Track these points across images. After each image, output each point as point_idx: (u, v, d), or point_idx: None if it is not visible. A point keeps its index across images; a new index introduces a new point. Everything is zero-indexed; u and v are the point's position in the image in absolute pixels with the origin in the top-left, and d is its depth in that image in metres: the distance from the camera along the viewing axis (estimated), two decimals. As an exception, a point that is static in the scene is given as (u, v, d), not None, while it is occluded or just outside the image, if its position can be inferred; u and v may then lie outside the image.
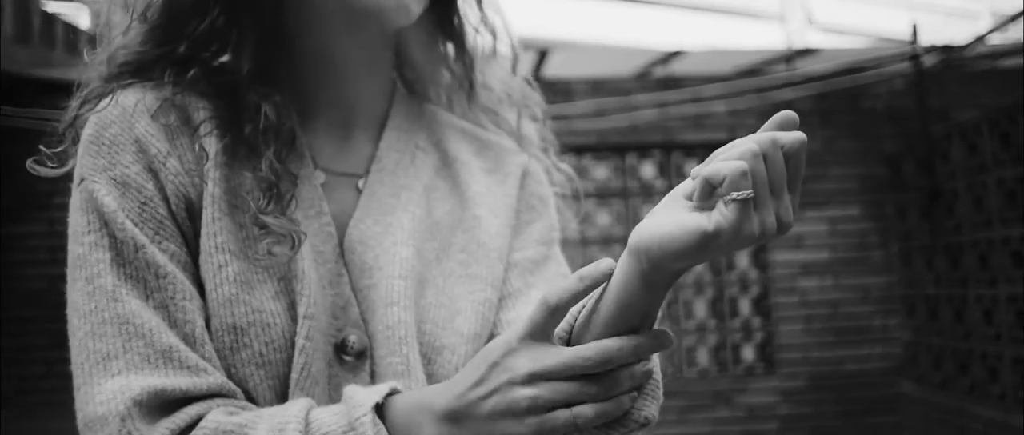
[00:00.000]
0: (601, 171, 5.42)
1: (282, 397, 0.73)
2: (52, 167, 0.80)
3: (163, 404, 0.67)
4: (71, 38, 4.72)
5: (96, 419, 0.66)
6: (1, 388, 4.77)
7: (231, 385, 0.71)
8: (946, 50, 4.69)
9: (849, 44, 5.66)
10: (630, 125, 5.17)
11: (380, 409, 0.67)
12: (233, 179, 0.77)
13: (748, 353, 5.29)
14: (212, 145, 0.76)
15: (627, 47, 5.61)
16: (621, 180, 5.40)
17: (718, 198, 0.57)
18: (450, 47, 0.94)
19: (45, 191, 4.65)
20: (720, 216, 0.56)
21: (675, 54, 5.08)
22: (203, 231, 0.74)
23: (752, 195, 0.56)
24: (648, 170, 5.44)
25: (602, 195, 5.38)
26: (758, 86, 5.10)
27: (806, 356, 5.13)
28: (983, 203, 3.94)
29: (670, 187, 2.71)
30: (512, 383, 0.63)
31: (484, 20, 0.92)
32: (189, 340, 0.71)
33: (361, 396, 0.67)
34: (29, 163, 0.80)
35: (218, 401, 0.69)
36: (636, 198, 5.40)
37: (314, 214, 0.80)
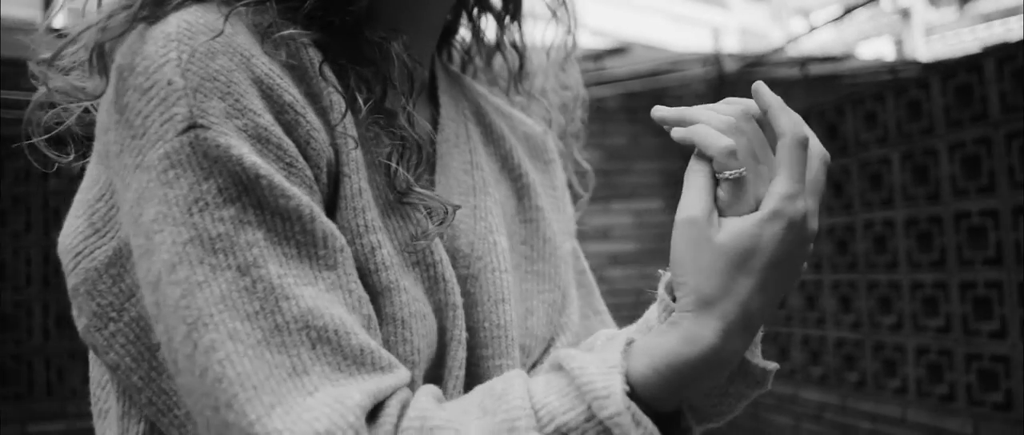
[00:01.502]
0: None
1: None
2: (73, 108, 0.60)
3: (376, 407, 0.53)
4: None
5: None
6: None
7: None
8: (743, 58, 5.10)
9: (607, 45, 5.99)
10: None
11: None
12: (367, 140, 0.62)
13: (561, 341, 5.44)
14: (338, 98, 0.60)
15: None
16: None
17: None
18: (494, 13, 0.84)
19: None
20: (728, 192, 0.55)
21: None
22: (344, 205, 0.59)
23: (744, 174, 0.55)
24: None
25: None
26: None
27: (612, 342, 5.36)
28: (777, 198, 4.31)
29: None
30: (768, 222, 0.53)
31: None
32: (371, 326, 0.57)
33: (599, 381, 0.52)
34: (34, 63, 0.59)
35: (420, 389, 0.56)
36: None
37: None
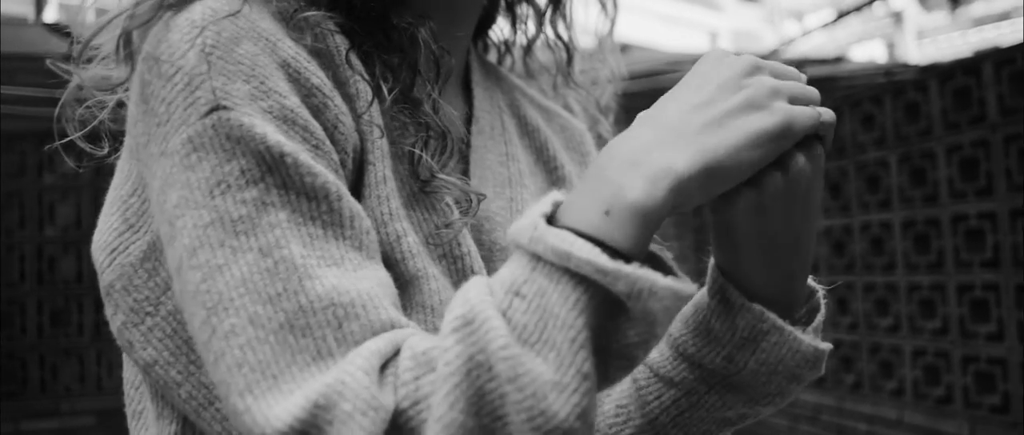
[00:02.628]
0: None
1: None
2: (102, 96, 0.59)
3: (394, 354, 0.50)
4: None
5: (329, 389, 0.46)
6: None
7: None
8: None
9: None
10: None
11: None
12: (392, 128, 0.61)
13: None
14: (364, 85, 0.59)
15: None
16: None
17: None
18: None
19: None
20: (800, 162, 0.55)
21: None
22: (369, 193, 0.58)
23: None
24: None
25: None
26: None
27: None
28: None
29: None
30: (745, 73, 0.53)
31: None
32: (398, 307, 0.54)
33: (525, 225, 0.48)
34: (51, 62, 0.58)
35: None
36: None
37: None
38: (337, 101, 0.56)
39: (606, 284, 0.46)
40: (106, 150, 0.66)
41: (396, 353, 0.49)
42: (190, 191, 0.51)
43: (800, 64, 5.03)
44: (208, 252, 0.50)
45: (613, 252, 0.47)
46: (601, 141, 0.91)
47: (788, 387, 0.61)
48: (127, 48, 0.58)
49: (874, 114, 3.59)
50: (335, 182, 0.53)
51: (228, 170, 0.51)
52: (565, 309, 0.46)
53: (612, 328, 0.48)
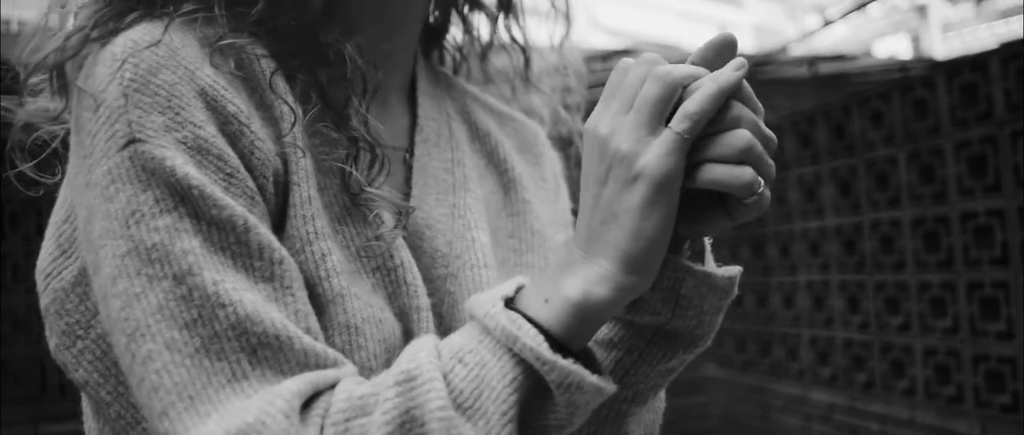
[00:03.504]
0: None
1: None
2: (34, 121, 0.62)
3: (313, 398, 0.53)
4: None
5: (250, 427, 0.48)
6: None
7: None
8: (749, 58, 5.07)
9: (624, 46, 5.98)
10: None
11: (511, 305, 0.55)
12: (316, 149, 0.62)
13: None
14: (296, 103, 0.60)
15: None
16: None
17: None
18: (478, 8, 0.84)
19: None
20: (746, 210, 0.56)
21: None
22: (293, 213, 0.59)
23: (766, 189, 0.55)
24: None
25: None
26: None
27: (621, 343, 5.36)
28: (784, 198, 4.30)
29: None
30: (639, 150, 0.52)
31: None
32: (314, 336, 0.56)
33: (484, 299, 0.54)
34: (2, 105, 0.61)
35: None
36: None
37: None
38: (253, 127, 0.58)
39: (541, 372, 0.51)
40: (58, 176, 0.68)
41: (315, 393, 0.52)
42: (110, 221, 0.54)
43: (813, 61, 4.99)
44: (126, 281, 0.53)
45: (555, 342, 0.52)
46: (562, 142, 0.92)
47: (715, 320, 0.63)
48: (60, 80, 0.61)
49: (883, 111, 3.55)
50: (243, 214, 0.55)
51: (143, 200, 0.53)
52: (501, 384, 0.51)
53: (536, 407, 0.53)
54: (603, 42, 5.83)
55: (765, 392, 4.53)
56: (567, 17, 0.85)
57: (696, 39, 5.22)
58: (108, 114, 0.55)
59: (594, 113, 0.56)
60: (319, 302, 0.59)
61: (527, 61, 0.86)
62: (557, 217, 0.84)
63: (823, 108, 3.94)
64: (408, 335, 0.65)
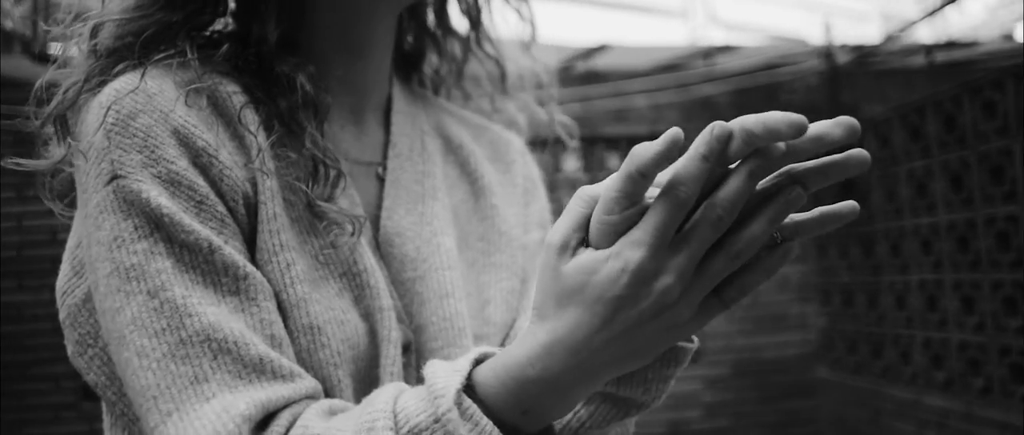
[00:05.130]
0: (527, 165, 5.46)
1: (363, 394, 0.66)
2: (38, 159, 0.69)
3: (267, 417, 0.59)
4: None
5: None
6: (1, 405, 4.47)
7: (321, 388, 0.64)
8: (857, 49, 4.88)
9: (751, 41, 5.84)
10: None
11: (470, 389, 0.57)
12: (281, 169, 0.69)
13: (673, 343, 5.39)
14: (260, 133, 0.68)
15: (547, 43, 5.65)
16: (547, 174, 5.43)
17: None
18: (447, 24, 0.91)
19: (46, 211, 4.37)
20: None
21: (596, 49, 5.12)
22: (262, 229, 0.66)
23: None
24: (571, 163, 5.48)
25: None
26: (677, 81, 5.20)
27: (729, 344, 5.26)
28: (894, 194, 4.12)
29: (593, 180, 2.76)
30: (647, 290, 0.51)
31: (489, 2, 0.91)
32: (275, 343, 0.63)
33: (441, 381, 0.56)
34: (10, 160, 0.70)
35: (312, 403, 0.62)
36: (561, 191, 5.43)
37: (347, 206, 0.74)
38: (222, 157, 0.66)
39: None
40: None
41: (267, 415, 0.59)
42: (99, 247, 0.63)
43: (930, 49, 4.75)
44: (111, 297, 0.61)
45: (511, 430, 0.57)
46: (541, 143, 1.00)
47: (664, 386, 0.63)
48: (64, 128, 0.70)
49: (996, 101, 3.36)
50: (208, 237, 0.62)
51: (124, 227, 0.62)
52: None
53: None
54: (722, 38, 5.72)
55: (877, 396, 4.35)
56: (532, 23, 0.92)
57: (820, 30, 5.00)
58: (96, 154, 0.64)
59: (643, 236, 0.52)
60: (284, 307, 0.66)
61: (502, 73, 0.93)
62: (529, 218, 0.90)
63: (933, 98, 3.75)
64: (372, 333, 0.71)
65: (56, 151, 0.71)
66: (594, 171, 5.40)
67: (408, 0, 0.79)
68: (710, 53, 5.32)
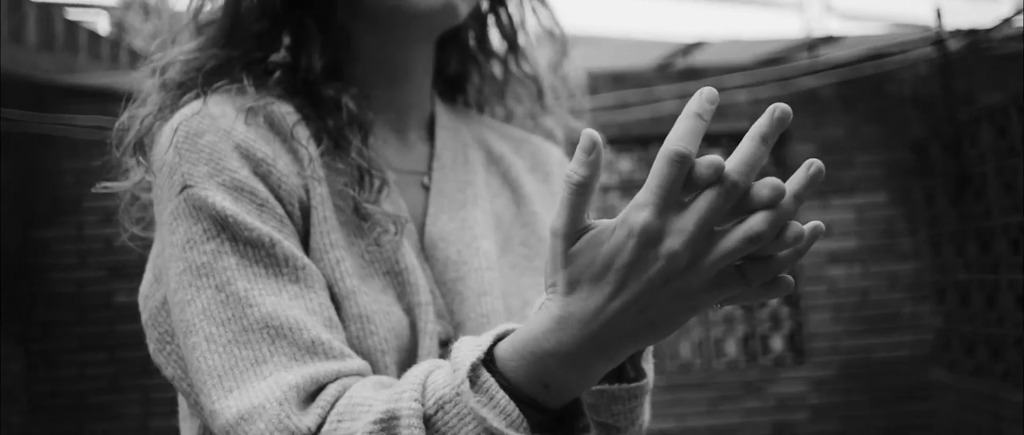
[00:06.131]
0: (625, 163, 5.42)
1: None
2: (120, 181, 0.81)
3: (317, 389, 0.66)
4: (94, 44, 4.78)
5: (252, 410, 0.64)
6: (32, 390, 4.84)
7: (371, 369, 0.71)
8: (970, 34, 4.63)
9: (868, 30, 5.63)
10: (652, 117, 5.15)
11: (491, 363, 0.60)
12: (330, 178, 0.78)
13: (777, 343, 5.26)
14: (311, 145, 0.77)
15: (647, 39, 5.60)
16: (645, 172, 5.38)
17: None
18: (487, 48, 0.98)
19: (72, 196, 4.70)
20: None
21: (695, 45, 5.05)
22: (314, 230, 0.75)
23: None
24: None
25: (626, 187, 5.37)
26: (780, 75, 5.06)
27: (836, 345, 5.09)
28: (1013, 187, 3.89)
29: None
30: (656, 255, 0.52)
31: (526, 18, 0.96)
32: (330, 326, 0.71)
33: (462, 355, 0.60)
34: (99, 185, 0.81)
35: (361, 378, 0.68)
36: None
37: (392, 210, 0.81)
38: (279, 166, 0.75)
39: None
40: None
41: (318, 386, 0.66)
42: (173, 248, 0.72)
43: (1010, 40, 4.44)
44: (182, 292, 0.71)
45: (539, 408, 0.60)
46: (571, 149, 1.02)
47: (632, 416, 0.66)
48: (142, 152, 0.80)
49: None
50: (270, 233, 0.71)
51: (194, 230, 0.71)
52: None
53: None
54: (837, 28, 5.54)
55: (997, 401, 4.12)
56: (563, 42, 0.99)
57: (941, 16, 4.78)
58: (168, 170, 0.74)
59: (648, 197, 0.53)
60: (336, 299, 0.74)
61: (540, 90, 1.00)
62: None
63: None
64: (413, 326, 0.79)
65: (136, 173, 0.81)
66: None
67: (440, 29, 0.86)
68: (814, 44, 5.15)
